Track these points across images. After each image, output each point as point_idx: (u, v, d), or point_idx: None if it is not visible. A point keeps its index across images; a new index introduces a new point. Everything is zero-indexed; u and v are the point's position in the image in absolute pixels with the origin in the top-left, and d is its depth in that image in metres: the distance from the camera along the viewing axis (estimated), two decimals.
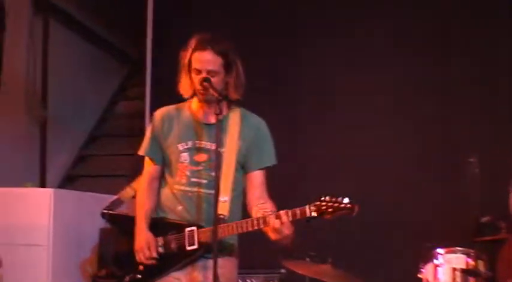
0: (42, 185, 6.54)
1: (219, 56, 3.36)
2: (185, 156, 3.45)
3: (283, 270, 4.67)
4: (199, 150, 3.45)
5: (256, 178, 3.47)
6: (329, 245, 4.64)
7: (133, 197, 3.81)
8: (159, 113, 3.59)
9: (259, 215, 3.25)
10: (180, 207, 3.45)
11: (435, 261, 4.10)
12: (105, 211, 3.73)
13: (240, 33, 5.03)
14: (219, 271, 3.12)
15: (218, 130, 3.23)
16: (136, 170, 3.86)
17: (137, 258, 3.44)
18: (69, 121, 7.17)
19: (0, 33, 6.03)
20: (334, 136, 5.22)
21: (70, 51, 7.14)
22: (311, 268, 4.06)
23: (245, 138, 3.46)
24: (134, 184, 3.90)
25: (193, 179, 3.43)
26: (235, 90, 3.42)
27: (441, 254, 4.13)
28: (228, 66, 3.39)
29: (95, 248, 4.79)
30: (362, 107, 5.18)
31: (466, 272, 4.04)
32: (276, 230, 3.15)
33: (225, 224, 3.28)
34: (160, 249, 3.44)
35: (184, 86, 3.45)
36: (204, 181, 3.42)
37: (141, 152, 3.61)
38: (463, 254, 4.10)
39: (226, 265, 3.39)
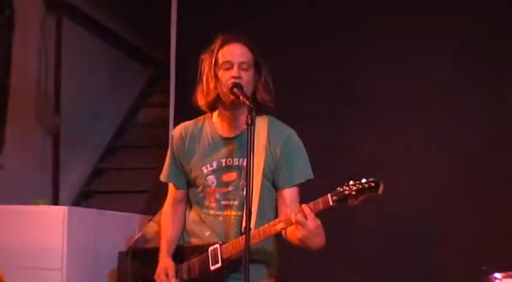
0: (55, 202, 6.56)
1: (250, 52, 3.38)
2: (211, 178, 3.46)
3: None
4: (227, 169, 3.44)
5: (287, 196, 3.45)
6: (375, 265, 4.72)
7: (158, 232, 3.83)
8: (178, 131, 3.59)
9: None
10: (208, 233, 3.48)
11: None
12: (127, 251, 3.78)
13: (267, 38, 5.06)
14: None
15: (251, 138, 3.08)
16: (159, 185, 3.90)
17: None
18: (85, 131, 7.20)
19: (8, 33, 6.06)
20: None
21: (86, 53, 7.16)
22: None
23: (273, 150, 3.43)
24: (157, 218, 3.92)
25: (223, 202, 3.45)
26: (263, 96, 3.41)
27: (499, 279, 4.11)
28: (257, 67, 3.41)
29: (113, 273, 4.77)
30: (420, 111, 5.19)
31: None
32: (300, 224, 3.10)
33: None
34: (185, 275, 3.47)
35: (207, 91, 3.38)
36: (235, 202, 3.43)
37: (162, 178, 3.65)
38: None
39: None
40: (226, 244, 3.36)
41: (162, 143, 5.47)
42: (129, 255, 3.80)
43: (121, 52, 7.81)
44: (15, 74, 6.12)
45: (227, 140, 3.47)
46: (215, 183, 3.46)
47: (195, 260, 3.46)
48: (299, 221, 3.11)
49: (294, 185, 3.46)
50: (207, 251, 3.41)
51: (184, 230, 3.60)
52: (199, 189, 3.51)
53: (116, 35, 7.64)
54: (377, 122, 5.15)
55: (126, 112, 8.12)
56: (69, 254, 4.57)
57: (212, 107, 3.48)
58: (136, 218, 5.16)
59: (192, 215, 3.57)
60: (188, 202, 3.62)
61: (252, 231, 3.20)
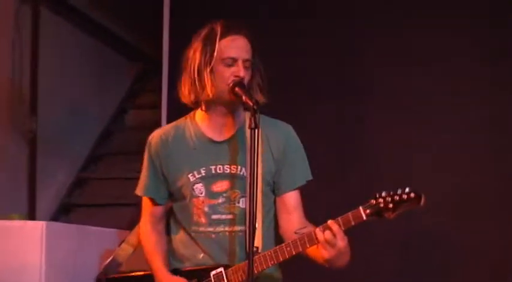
0: (32, 216, 6.59)
1: (252, 48, 3.32)
2: (199, 187, 3.37)
3: None
4: (217, 177, 3.36)
5: (290, 200, 3.41)
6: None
7: (132, 254, 3.81)
8: (157, 136, 3.47)
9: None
10: (201, 255, 3.38)
11: None
12: (100, 278, 3.73)
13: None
14: None
15: (255, 144, 3.06)
16: None
17: None
18: (65, 135, 7.21)
19: None
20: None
21: (66, 47, 7.22)
22: None
23: (273, 151, 3.39)
24: (131, 238, 3.84)
25: (213, 216, 3.35)
26: (259, 97, 3.33)
27: None
28: (255, 65, 3.36)
29: None
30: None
31: None
32: (328, 243, 3.07)
33: (259, 254, 3.22)
34: None
35: (201, 87, 3.29)
36: (228, 216, 3.35)
37: (139, 192, 3.53)
38: None
39: None
40: (232, 268, 3.29)
41: None
42: None
43: (106, 46, 7.83)
44: None
45: (216, 144, 3.38)
46: (203, 193, 3.35)
47: None
48: (329, 240, 3.08)
49: (296, 188, 3.43)
50: (209, 276, 3.33)
51: (171, 257, 3.51)
52: (186, 201, 3.39)
53: (100, 26, 7.67)
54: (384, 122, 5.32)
55: (111, 114, 8.12)
56: (47, 273, 4.56)
57: (199, 105, 3.40)
58: (121, 234, 5.12)
59: (179, 237, 3.46)
60: (174, 223, 3.53)
61: (260, 253, 3.22)
